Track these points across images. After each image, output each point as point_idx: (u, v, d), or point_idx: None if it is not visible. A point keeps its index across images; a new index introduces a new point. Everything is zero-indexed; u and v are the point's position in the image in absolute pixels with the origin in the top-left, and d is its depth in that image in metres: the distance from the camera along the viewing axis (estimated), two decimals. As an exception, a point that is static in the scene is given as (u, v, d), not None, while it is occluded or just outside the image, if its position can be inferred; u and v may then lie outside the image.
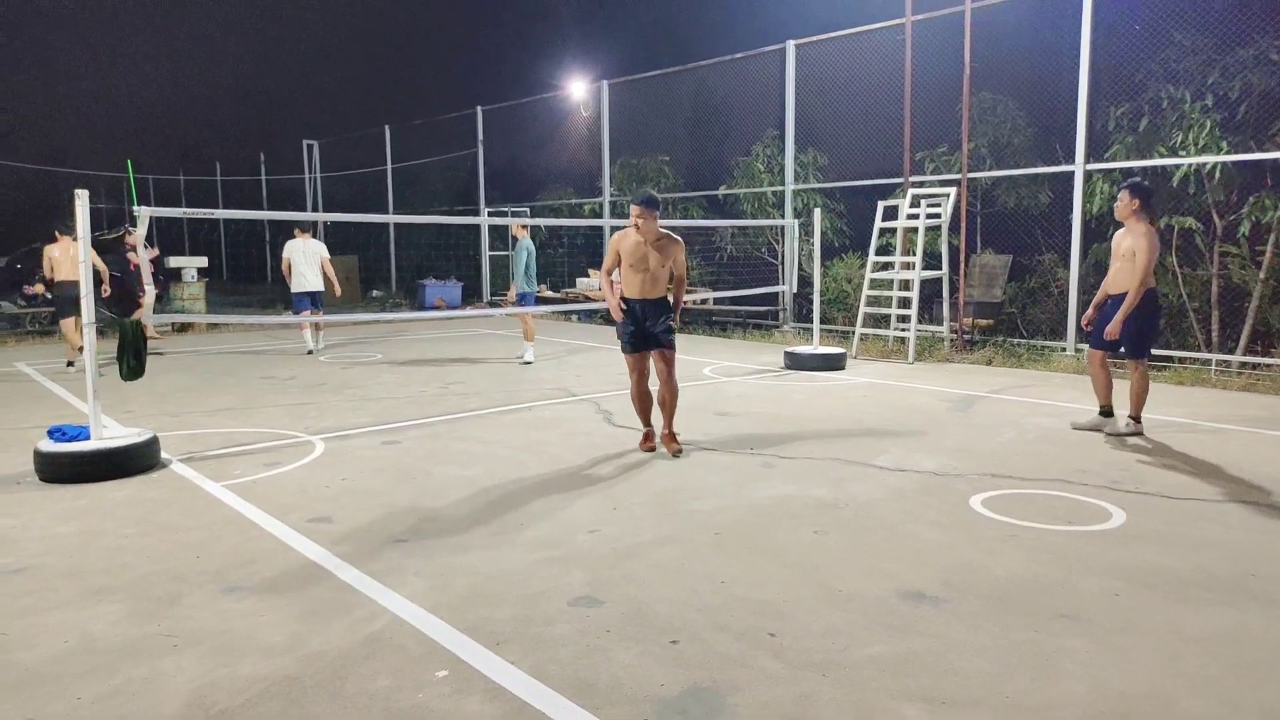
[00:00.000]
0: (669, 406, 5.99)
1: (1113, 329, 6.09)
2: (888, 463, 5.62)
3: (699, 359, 10.71)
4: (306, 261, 11.10)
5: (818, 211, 10.32)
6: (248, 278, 25.49)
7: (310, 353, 11.40)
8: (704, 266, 16.34)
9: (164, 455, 5.93)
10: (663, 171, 17.13)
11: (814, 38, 13.12)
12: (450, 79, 24.53)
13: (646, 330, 5.91)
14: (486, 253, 20.03)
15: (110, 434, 5.79)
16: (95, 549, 4.21)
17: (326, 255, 11.38)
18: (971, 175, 10.94)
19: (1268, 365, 9.29)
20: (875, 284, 11.06)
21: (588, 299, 15.79)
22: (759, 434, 6.52)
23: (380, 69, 25.52)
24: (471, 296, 19.91)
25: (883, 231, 11.13)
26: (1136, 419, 6.31)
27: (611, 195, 16.98)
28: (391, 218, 16.30)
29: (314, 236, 11.60)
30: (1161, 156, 10.12)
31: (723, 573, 3.80)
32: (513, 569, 3.88)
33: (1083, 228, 10.51)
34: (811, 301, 13.84)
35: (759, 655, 3.02)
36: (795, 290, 12.19)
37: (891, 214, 11.12)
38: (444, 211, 21.17)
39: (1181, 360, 9.92)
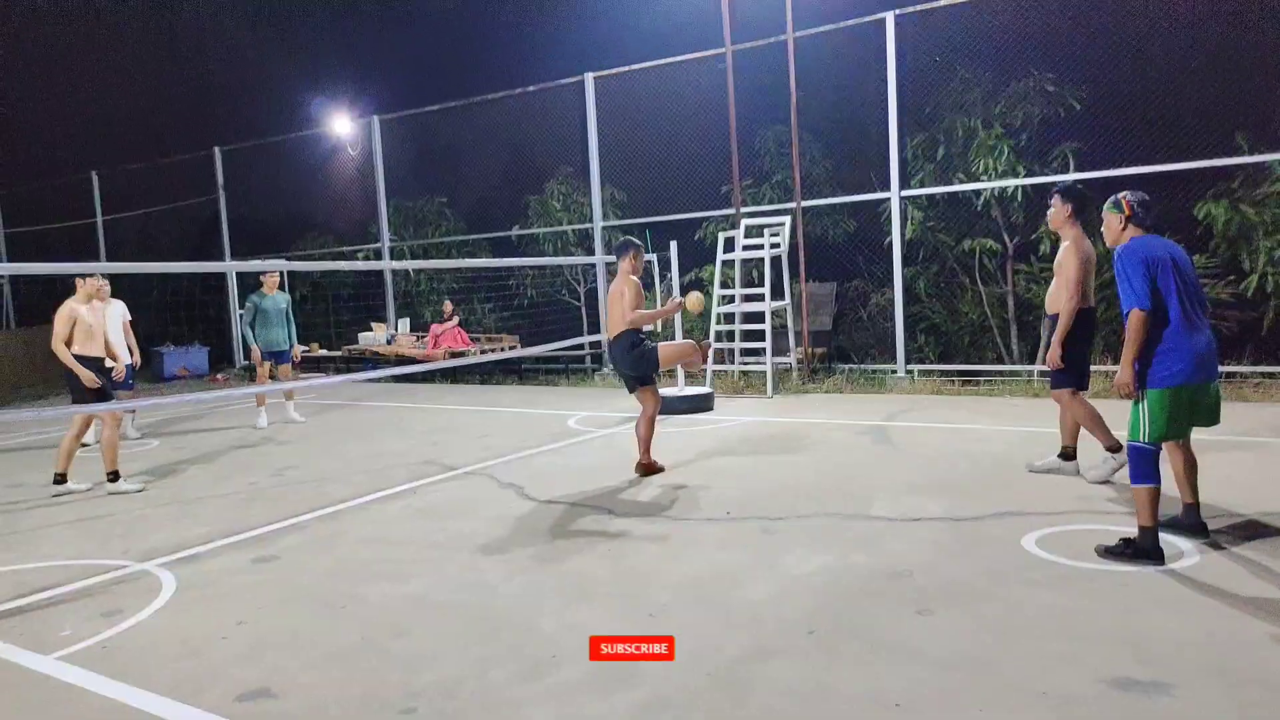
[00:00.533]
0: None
1: (1051, 357, 5.45)
2: (888, 511, 5.06)
3: (550, 411, 9.72)
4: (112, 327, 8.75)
5: (674, 244, 9.77)
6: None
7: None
8: (502, 313, 15.30)
9: (-68, 623, 4.06)
10: (442, 213, 15.93)
11: (613, 70, 12.68)
12: (181, 118, 21.46)
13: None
14: (236, 310, 17.55)
15: None
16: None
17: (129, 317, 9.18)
18: (805, 204, 10.93)
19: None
20: (720, 319, 10.69)
21: (376, 355, 14.16)
22: (709, 493, 5.74)
23: (89, 106, 21.82)
24: (221, 362, 17.35)
25: (725, 264, 10.81)
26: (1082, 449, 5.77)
27: (391, 241, 15.46)
28: (102, 266, 13.58)
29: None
30: (963, 182, 10.67)
31: (882, 691, 2.98)
32: (614, 731, 2.80)
33: (903, 253, 10.83)
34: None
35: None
36: (658, 330, 11.45)
37: (728, 246, 10.84)
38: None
39: (986, 374, 10.45)
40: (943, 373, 10.49)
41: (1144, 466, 3.97)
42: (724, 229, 11.42)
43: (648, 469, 6.37)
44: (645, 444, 6.38)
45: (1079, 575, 3.93)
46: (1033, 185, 10.30)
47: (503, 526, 5.25)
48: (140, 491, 6.82)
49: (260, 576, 4.61)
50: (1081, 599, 3.66)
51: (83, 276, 6.81)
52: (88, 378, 6.58)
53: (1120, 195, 4.21)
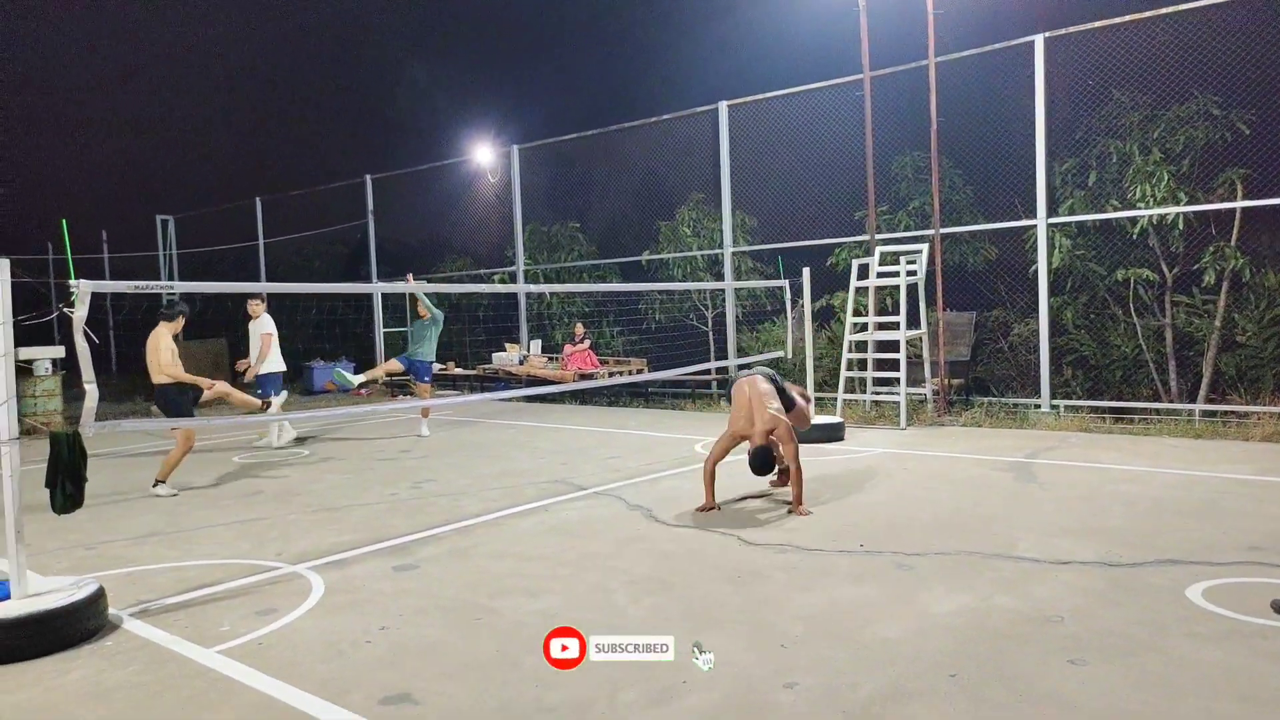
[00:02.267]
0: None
1: None
2: (1035, 553, 4.81)
3: (676, 435, 9.74)
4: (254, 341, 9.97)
5: (806, 271, 9.67)
6: (101, 368, 22.46)
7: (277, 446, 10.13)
8: (630, 336, 15.48)
9: (110, 610, 4.39)
10: (575, 238, 16.29)
11: (747, 98, 12.72)
12: (339, 149, 22.90)
13: None
14: (381, 329, 18.45)
15: (37, 588, 4.22)
16: (86, 788, 2.78)
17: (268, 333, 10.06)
18: (944, 230, 10.62)
19: (1231, 411, 9.25)
20: (854, 346, 10.48)
21: (509, 375, 14.57)
22: (841, 524, 5.60)
23: (255, 138, 23.59)
24: (365, 378, 18.17)
25: (858, 291, 10.60)
26: None
27: (525, 264, 15.92)
28: (274, 285, 14.56)
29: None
30: (1116, 209, 10.13)
31: (1032, 739, 2.82)
32: (746, 761, 2.76)
33: (1049, 282, 10.35)
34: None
35: None
36: (790, 355, 11.30)
37: (861, 274, 10.64)
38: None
39: (1140, 412, 9.81)
40: (1092, 409, 9.94)
41: None
42: (857, 255, 11.22)
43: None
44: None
45: (1250, 631, 3.62)
46: (1195, 213, 9.69)
47: (631, 547, 5.27)
48: (174, 496, 7.43)
49: (401, 584, 4.78)
50: (1253, 658, 3.37)
51: (255, 296, 7.52)
52: (208, 384, 7.54)
53: None
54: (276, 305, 20.36)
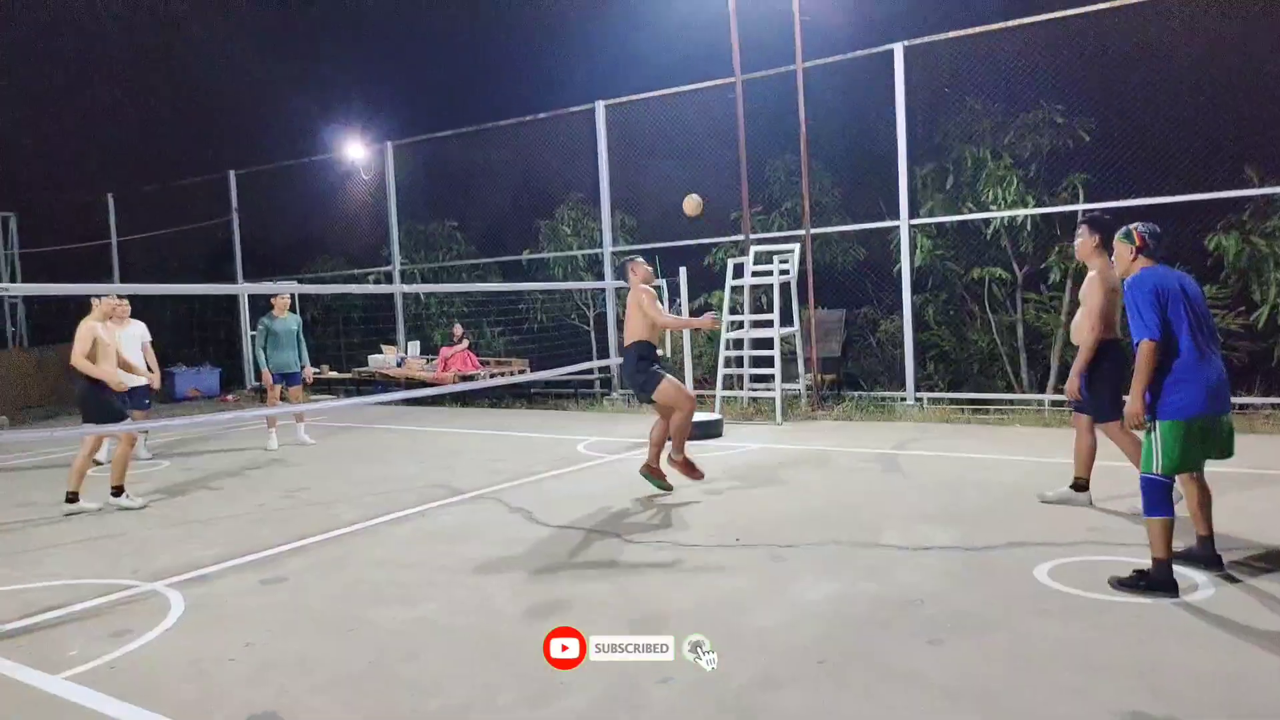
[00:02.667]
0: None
1: (1070, 387, 5.32)
2: (898, 540, 5.04)
3: (560, 435, 9.72)
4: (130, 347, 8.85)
5: (683, 271, 9.80)
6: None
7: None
8: (511, 337, 15.35)
9: (-59, 641, 4.06)
10: (453, 237, 16.03)
11: (624, 98, 12.80)
12: (195, 142, 21.71)
13: None
14: (248, 332, 17.65)
15: None
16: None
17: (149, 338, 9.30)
18: (814, 231, 10.97)
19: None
20: (730, 344, 10.70)
21: (386, 378, 14.21)
22: (718, 519, 5.72)
23: (105, 129, 22.09)
24: (231, 383, 17.40)
25: (734, 290, 10.83)
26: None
27: (402, 264, 15.56)
28: (117, 287, 13.68)
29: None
30: (972, 212, 10.71)
31: (893, 718, 2.96)
32: (622, 758, 2.79)
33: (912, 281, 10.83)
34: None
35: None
36: (669, 354, 11.39)
37: (737, 273, 10.87)
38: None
39: (995, 403, 10.42)
40: (952, 401, 10.47)
41: (1157, 498, 3.95)
42: (733, 255, 11.47)
43: (652, 471, 6.54)
44: (654, 448, 6.54)
45: (1092, 606, 3.90)
46: (1041, 215, 10.34)
47: (510, 551, 5.24)
48: (142, 508, 6.85)
49: (268, 598, 4.61)
50: (1094, 630, 3.64)
51: (98, 296, 6.87)
52: (116, 383, 6.66)
53: (1131, 226, 4.22)
54: (135, 308, 19.24)
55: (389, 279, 15.65)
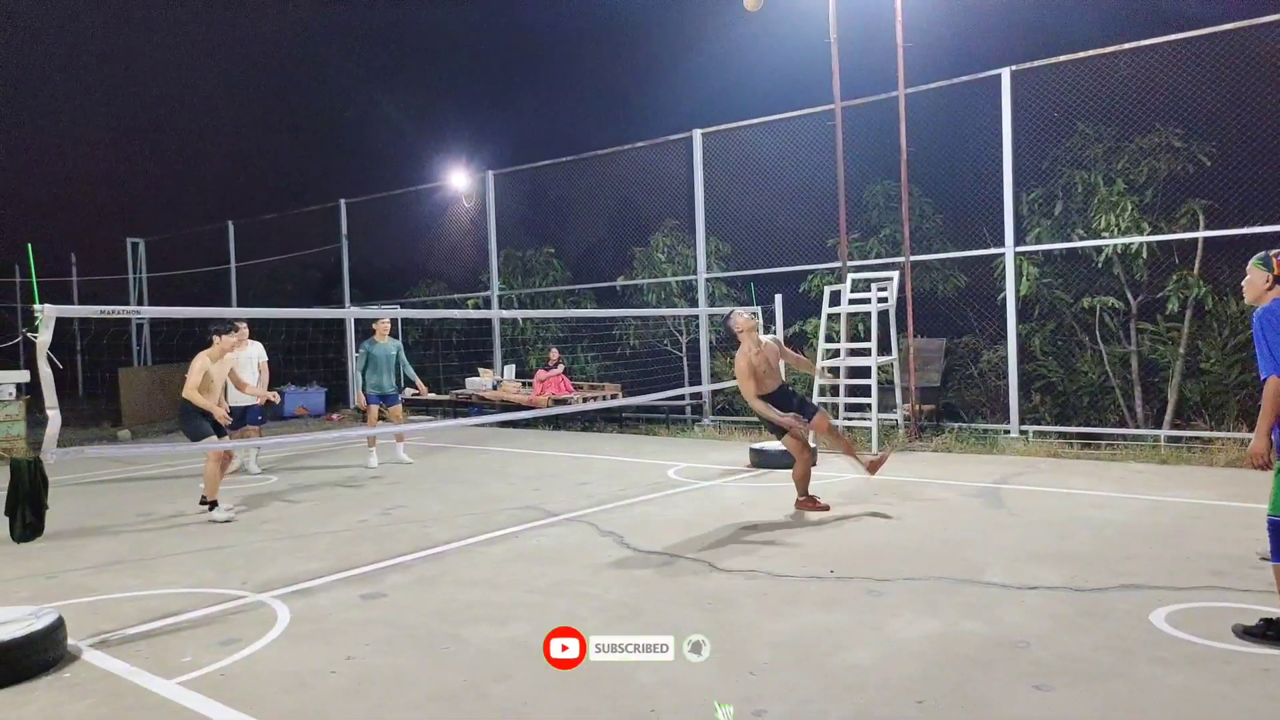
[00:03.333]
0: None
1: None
2: (1002, 578, 4.85)
3: (650, 460, 9.73)
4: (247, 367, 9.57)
5: (779, 298, 9.73)
6: (66, 393, 22.09)
7: (238, 471, 9.84)
8: (604, 361, 15.48)
9: (69, 641, 4.30)
10: (550, 263, 16.31)
11: (721, 126, 12.86)
12: (311, 173, 22.83)
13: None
14: (353, 354, 18.30)
15: (-7, 619, 4.13)
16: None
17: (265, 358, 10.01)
18: (915, 258, 10.75)
19: (1195, 437, 9.40)
20: (824, 373, 10.54)
21: (482, 400, 14.51)
22: (811, 550, 5.61)
23: (229, 161, 23.46)
24: (336, 403, 18.05)
25: (830, 318, 10.69)
26: None
27: (500, 289, 15.92)
28: (233, 311, 14.35)
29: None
30: (1082, 239, 10.32)
31: (998, 765, 2.83)
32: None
33: (1017, 309, 10.49)
34: (725, 394, 13.28)
35: None
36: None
37: (834, 300, 10.73)
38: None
39: (1106, 438, 9.94)
40: (1060, 435, 10.05)
41: None
42: (829, 283, 11.33)
43: (807, 505, 6.77)
44: (800, 484, 6.78)
45: (1214, 656, 3.66)
46: (1158, 243, 9.88)
47: (602, 574, 5.25)
48: (226, 522, 7.21)
49: (368, 613, 4.73)
50: (1217, 682, 3.41)
51: (219, 333, 7.32)
52: (221, 416, 7.13)
53: (1271, 252, 3.96)
54: (250, 330, 20.19)
55: (487, 304, 16.02)
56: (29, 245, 4.45)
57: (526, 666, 3.87)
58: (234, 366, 8.07)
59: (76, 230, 25.93)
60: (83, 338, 18.92)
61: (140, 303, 21.63)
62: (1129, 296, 10.45)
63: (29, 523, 4.23)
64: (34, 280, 4.19)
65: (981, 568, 5.06)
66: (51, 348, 4.17)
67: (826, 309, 10.63)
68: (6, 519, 4.31)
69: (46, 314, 4.14)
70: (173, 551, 6.32)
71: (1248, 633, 3.78)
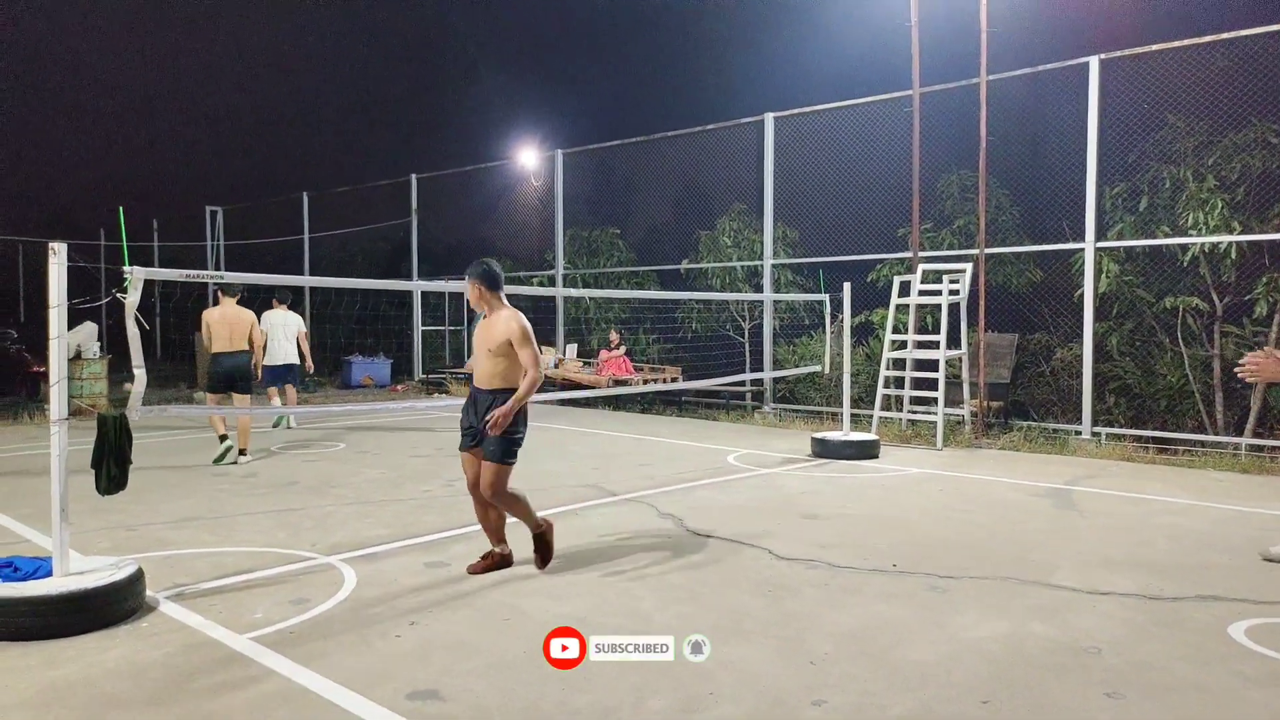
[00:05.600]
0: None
1: None
2: (1073, 582, 4.72)
3: (709, 445, 9.71)
4: (286, 335, 10.66)
5: (847, 286, 9.58)
6: (149, 353, 22.89)
7: (277, 426, 10.98)
8: (666, 344, 15.47)
9: (148, 592, 4.46)
10: (615, 244, 16.33)
11: (794, 110, 12.68)
12: (383, 147, 23.24)
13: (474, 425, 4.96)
14: (419, 326, 18.63)
15: (78, 567, 4.30)
16: (119, 765, 2.82)
17: (305, 329, 10.97)
18: (989, 251, 10.49)
19: (1279, 448, 9.02)
20: (891, 364, 10.38)
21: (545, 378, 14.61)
22: (876, 544, 5.54)
23: (303, 136, 24.01)
24: (401, 375, 18.38)
25: (898, 309, 10.50)
26: None
27: (565, 269, 16.00)
28: (317, 280, 14.66)
29: (290, 308, 11.00)
30: (1167, 236, 9.94)
31: (1067, 771, 2.76)
32: (772, 777, 2.73)
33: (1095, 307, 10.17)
34: (787, 382, 13.18)
35: None
36: (828, 370, 11.20)
37: (902, 291, 10.54)
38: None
39: (1184, 444, 9.59)
40: (1135, 438, 9.74)
41: None
42: (899, 272, 11.12)
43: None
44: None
45: (1298, 675, 3.52)
46: (1248, 243, 9.48)
47: (660, 556, 5.26)
48: (249, 474, 8.02)
49: (432, 580, 4.82)
50: (1272, 694, 3.28)
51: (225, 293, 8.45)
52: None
53: None
54: (320, 299, 20.71)
55: (552, 282, 16.12)
56: (120, 209, 4.59)
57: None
58: (273, 332, 10.10)
59: (159, 197, 26.84)
60: (164, 301, 19.56)
61: (218, 269, 22.27)
62: (1214, 298, 10.05)
63: (113, 476, 4.38)
64: (124, 242, 4.32)
65: (1051, 570, 4.94)
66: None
67: (895, 299, 10.45)
68: (92, 472, 4.47)
69: (135, 275, 4.27)
70: (246, 511, 6.51)
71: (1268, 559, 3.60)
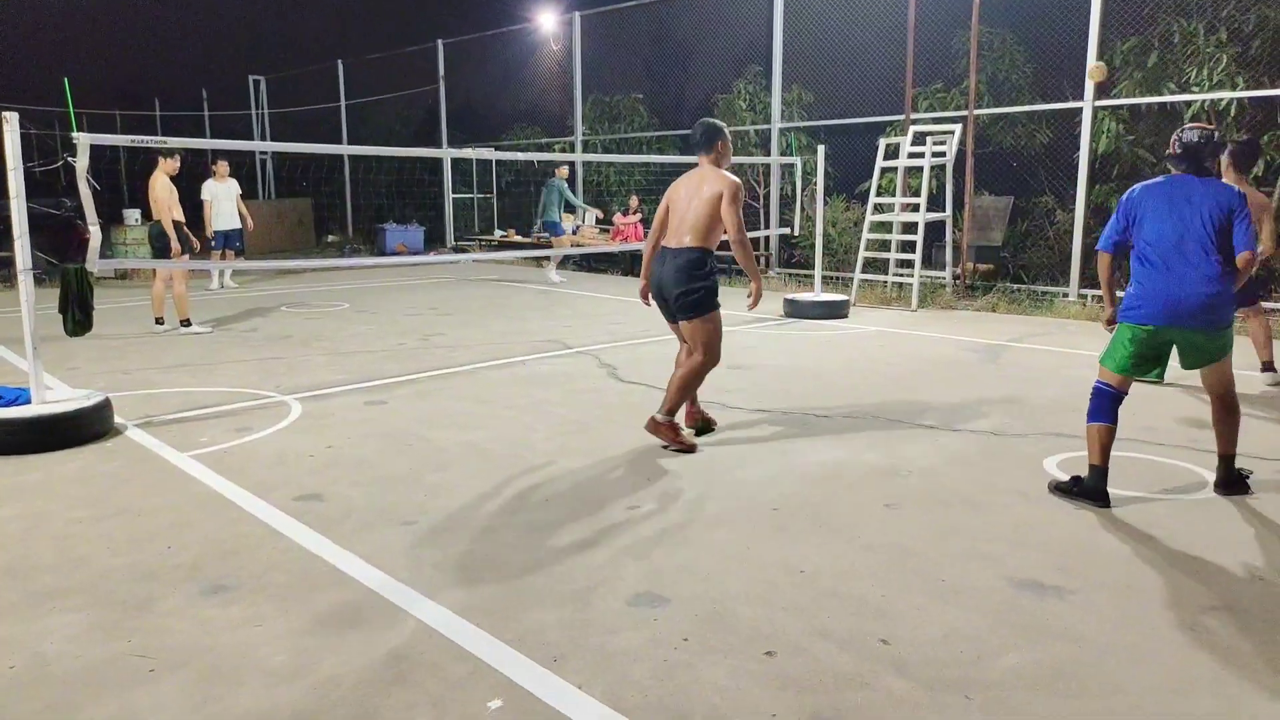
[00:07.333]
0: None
1: None
2: (935, 421, 5.12)
3: (691, 307, 10.10)
4: (229, 199, 11.68)
5: (821, 149, 9.66)
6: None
7: (219, 288, 12.05)
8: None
9: (118, 420, 5.20)
10: (636, 110, 16.32)
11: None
12: (409, 10, 23.15)
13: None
14: (450, 195, 19.10)
15: (55, 397, 5.04)
16: (41, 538, 3.53)
17: (239, 193, 11.94)
18: (978, 112, 10.35)
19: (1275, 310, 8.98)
20: (874, 227, 10.51)
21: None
22: (781, 389, 5.98)
23: (333, 2, 24.02)
24: (434, 242, 19.00)
25: (884, 171, 10.53)
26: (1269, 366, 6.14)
27: (584, 135, 16.14)
28: (348, 148, 15.25)
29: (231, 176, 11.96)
30: (1171, 93, 9.66)
31: (799, 559, 3.26)
32: (549, 557, 3.30)
33: (1090, 169, 10.02)
34: (794, 246, 13.35)
35: (879, 671, 2.49)
36: (795, 233, 11.48)
37: (891, 153, 10.53)
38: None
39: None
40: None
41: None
42: (895, 135, 11.04)
43: (661, 429, 4.69)
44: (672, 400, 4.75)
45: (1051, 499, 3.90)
46: (1250, 99, 9.17)
47: (578, 399, 5.80)
48: (210, 333, 8.45)
49: (364, 415, 5.45)
50: (1051, 514, 3.67)
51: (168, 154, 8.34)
52: (176, 250, 8.37)
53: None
54: (354, 167, 21.22)
55: (573, 149, 16.29)
56: (65, 79, 5.08)
57: (466, 462, 4.48)
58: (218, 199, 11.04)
59: (209, 66, 27.38)
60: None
61: (263, 138, 22.94)
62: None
63: (79, 320, 5.06)
64: (70, 110, 4.83)
65: (923, 412, 5.33)
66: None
67: (880, 162, 10.46)
68: (60, 316, 5.14)
69: (81, 141, 4.80)
70: (234, 359, 7.25)
71: (1058, 488, 3.89)
